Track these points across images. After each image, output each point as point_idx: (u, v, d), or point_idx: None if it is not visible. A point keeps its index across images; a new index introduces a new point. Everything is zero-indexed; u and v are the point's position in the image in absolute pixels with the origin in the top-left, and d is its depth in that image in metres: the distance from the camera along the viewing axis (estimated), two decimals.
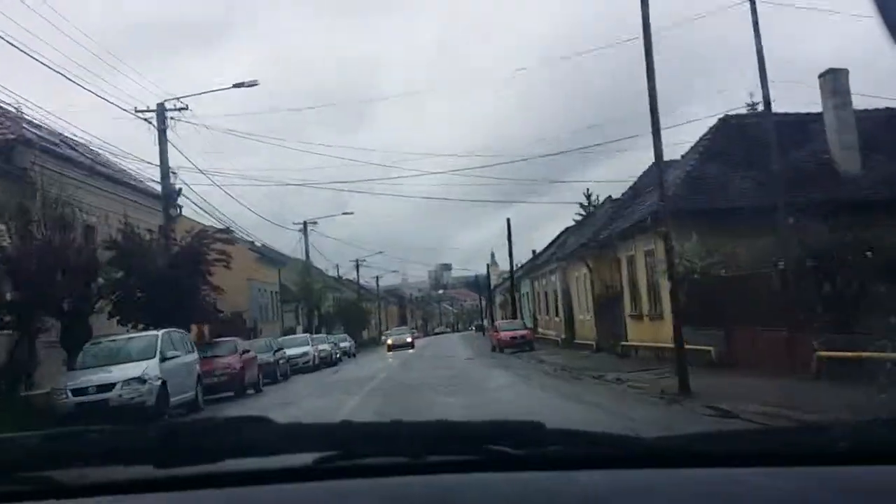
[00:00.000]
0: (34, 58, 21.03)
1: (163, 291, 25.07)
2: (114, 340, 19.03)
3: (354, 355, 53.48)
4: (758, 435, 2.23)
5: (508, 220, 53.56)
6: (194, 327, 38.09)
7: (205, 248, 27.14)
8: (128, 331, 23.07)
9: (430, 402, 15.71)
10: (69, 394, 16.43)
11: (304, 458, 1.61)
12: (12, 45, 19.74)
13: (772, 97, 23.27)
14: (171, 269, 25.69)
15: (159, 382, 17.13)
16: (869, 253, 16.19)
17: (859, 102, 24.72)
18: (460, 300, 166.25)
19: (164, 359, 17.83)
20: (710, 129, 26.45)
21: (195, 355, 20.42)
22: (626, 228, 26.37)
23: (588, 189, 62.51)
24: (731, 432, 2.43)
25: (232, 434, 1.79)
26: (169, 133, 28.15)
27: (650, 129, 17.33)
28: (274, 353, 30.66)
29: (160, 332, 18.93)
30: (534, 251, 63.72)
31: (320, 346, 39.13)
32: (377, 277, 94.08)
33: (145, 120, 28.17)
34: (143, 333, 19.72)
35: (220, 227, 40.44)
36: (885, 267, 14.93)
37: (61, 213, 20.07)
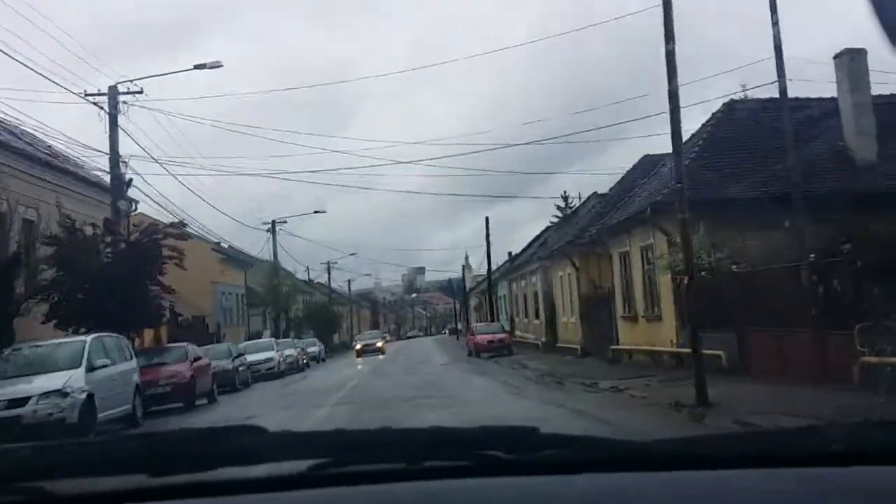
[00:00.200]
0: None
1: (106, 292, 22.33)
2: (37, 347, 16.23)
3: (324, 360, 50.71)
4: (752, 437, 2.09)
5: (487, 218, 51.14)
6: (150, 332, 35.43)
7: (155, 245, 24.34)
8: (66, 335, 20.25)
9: (407, 419, 13.06)
10: None
11: (298, 466, 1.58)
12: None
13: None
14: (115, 268, 22.92)
15: (84, 396, 14.40)
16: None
17: (879, 87, 22.47)
18: (433, 304, 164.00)
19: (91, 368, 15.11)
20: (714, 114, 24.10)
21: (133, 363, 17.66)
22: (621, 222, 23.92)
23: (565, 191, 61.70)
24: (724, 435, 2.31)
25: (225, 442, 1.75)
26: (123, 120, 25.34)
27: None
28: (233, 360, 27.87)
29: (89, 338, 16.19)
30: (510, 253, 61.41)
31: (286, 352, 36.32)
32: (349, 280, 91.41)
33: (95, 104, 25.34)
34: (70, 339, 16.93)
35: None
36: None
37: None
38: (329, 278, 75.12)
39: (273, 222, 49.35)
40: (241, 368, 28.58)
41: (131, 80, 25.17)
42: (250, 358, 31.56)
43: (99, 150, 25.17)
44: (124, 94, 25.08)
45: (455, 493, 1.49)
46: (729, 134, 23.17)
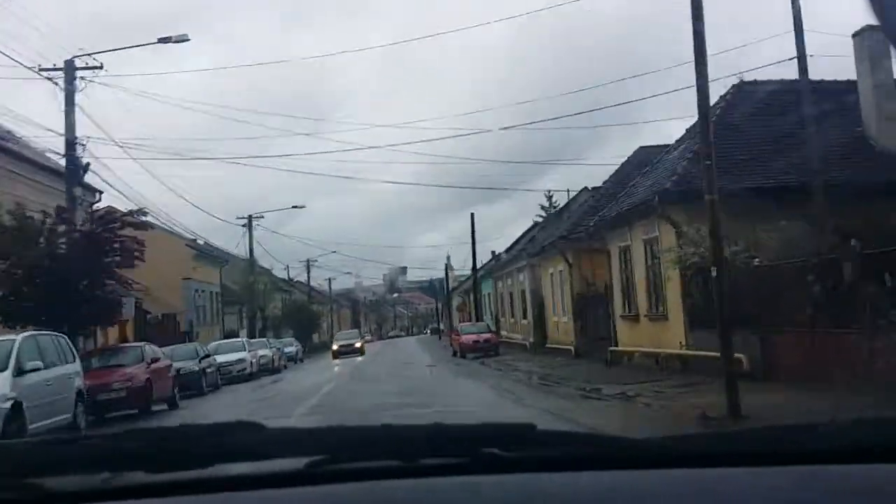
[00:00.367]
0: None
1: (57, 286, 20.09)
2: None
3: (302, 361, 48.42)
4: (751, 435, 1.85)
5: (472, 214, 48.82)
6: (116, 331, 33.06)
7: (111, 235, 22.07)
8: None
9: None
10: None
11: (296, 463, 1.56)
12: None
13: (791, 62, 19.41)
14: (67, 260, 20.64)
15: (9, 404, 12.18)
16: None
17: None
18: (415, 304, 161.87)
19: (21, 372, 12.89)
20: (722, 97, 22.10)
21: (75, 366, 15.42)
22: (622, 214, 21.87)
23: (549, 189, 60.49)
24: (723, 432, 2.20)
25: (223, 438, 1.73)
26: (81, 99, 23.02)
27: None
28: (200, 361, 25.58)
29: (19, 337, 13.93)
30: (493, 252, 59.35)
31: (260, 352, 34.01)
32: (329, 279, 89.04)
33: (49, 79, 23.03)
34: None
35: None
36: None
37: None
38: (308, 276, 72.78)
39: (249, 217, 46.97)
40: (208, 370, 26.32)
41: (90, 54, 22.85)
42: (220, 359, 29.29)
43: (54, 132, 22.84)
44: (82, 69, 22.76)
45: (453, 491, 1.47)
46: (738, 118, 21.20)
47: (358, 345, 48.92)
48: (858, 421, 1.80)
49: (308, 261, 70.78)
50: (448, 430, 1.71)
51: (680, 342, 18.77)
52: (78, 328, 21.83)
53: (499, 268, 48.10)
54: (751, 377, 15.79)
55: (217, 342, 33.84)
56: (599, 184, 33.31)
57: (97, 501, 1.56)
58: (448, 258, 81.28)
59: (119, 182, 46.93)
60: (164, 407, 20.04)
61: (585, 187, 38.18)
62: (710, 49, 12.34)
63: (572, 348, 28.47)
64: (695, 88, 12.75)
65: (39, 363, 13.44)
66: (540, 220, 55.29)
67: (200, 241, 50.54)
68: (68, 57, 22.97)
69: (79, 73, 22.68)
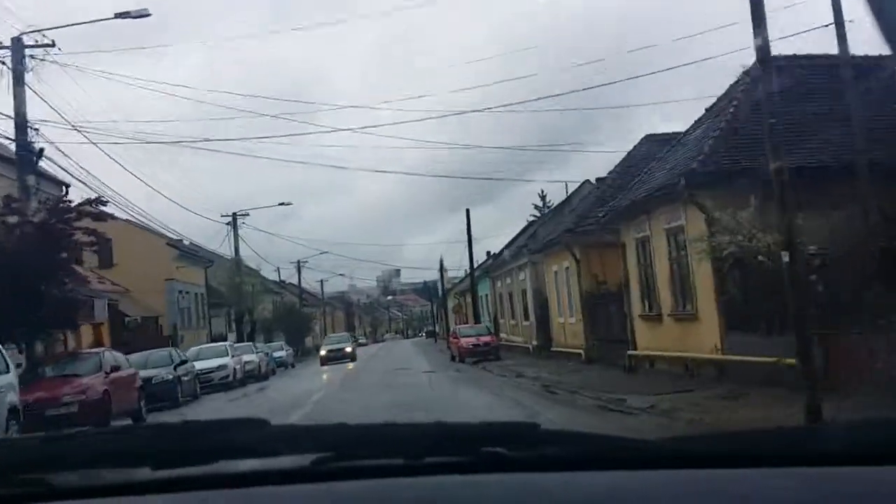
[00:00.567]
0: None
1: (6, 285, 17.57)
2: None
3: (293, 366, 45.80)
4: (754, 436, 1.81)
5: (468, 210, 46.22)
6: (90, 337, 30.50)
7: (67, 227, 19.52)
8: None
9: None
10: None
11: (300, 460, 1.56)
12: None
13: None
14: (18, 255, 18.11)
15: None
16: None
17: None
18: (410, 306, 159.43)
19: None
20: (744, 73, 19.62)
21: (9, 377, 12.94)
22: (639, 202, 19.39)
23: (542, 189, 58.57)
24: (727, 433, 2.06)
25: (227, 435, 1.71)
26: (31, 79, 20.49)
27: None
28: (175, 368, 23.03)
29: None
30: (488, 252, 56.86)
31: (245, 357, 31.41)
32: (321, 281, 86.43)
33: None
34: None
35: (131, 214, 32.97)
36: None
37: None
38: (299, 278, 70.07)
39: (234, 215, 44.33)
40: (185, 378, 23.76)
41: (40, 31, 20.34)
42: (199, 365, 26.70)
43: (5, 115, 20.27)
44: (32, 46, 20.24)
45: (457, 489, 1.47)
46: (766, 95, 18.73)
47: (349, 349, 44.36)
48: (861, 423, 1.79)
49: (299, 262, 68.14)
50: (451, 428, 1.70)
51: (715, 345, 16.31)
52: (35, 333, 19.34)
53: (497, 267, 45.58)
54: (804, 387, 13.36)
55: (198, 347, 31.21)
56: (595, 181, 30.99)
57: (101, 497, 1.53)
58: (441, 262, 78.64)
59: (97, 181, 44.26)
60: (129, 422, 17.50)
61: (588, 180, 35.81)
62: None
63: (582, 352, 26.00)
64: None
65: None
66: (534, 219, 52.98)
67: (186, 242, 48.11)
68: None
69: (28, 52, 20.18)
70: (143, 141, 40.15)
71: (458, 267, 73.78)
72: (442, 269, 77.75)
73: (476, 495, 1.44)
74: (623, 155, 29.09)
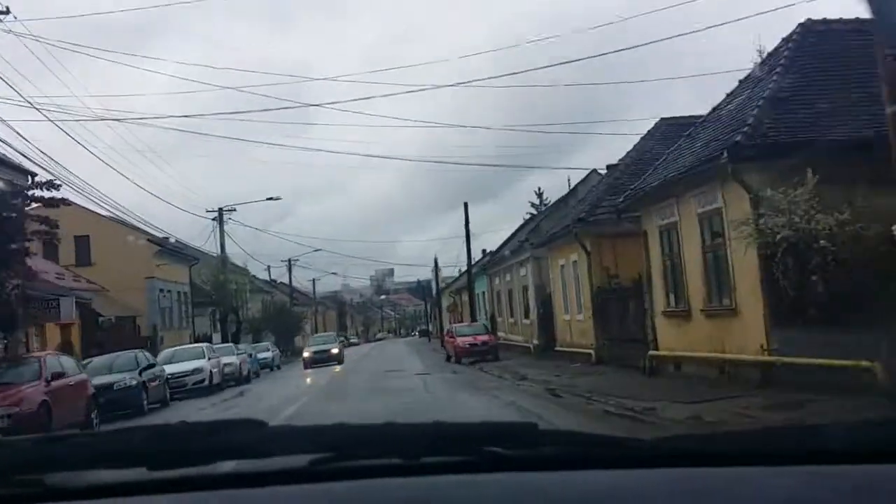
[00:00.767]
0: None
1: None
2: None
3: (279, 367, 43.08)
4: (755, 434, 1.80)
5: (466, 204, 43.52)
6: (58, 338, 27.82)
7: (18, 214, 16.89)
8: None
9: None
10: None
11: (299, 460, 1.53)
12: None
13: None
14: None
15: None
16: None
17: None
18: (403, 305, 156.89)
19: None
20: (785, 39, 17.14)
21: None
22: (666, 183, 16.81)
23: (539, 187, 56.36)
24: (726, 432, 2.06)
25: (226, 436, 1.69)
26: None
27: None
28: (141, 372, 20.37)
29: None
30: (484, 250, 54.26)
31: (225, 360, 28.69)
32: (313, 280, 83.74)
33: None
34: None
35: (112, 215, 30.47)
36: None
37: None
38: (290, 276, 67.38)
39: (220, 210, 41.61)
40: (153, 383, 21.11)
41: None
42: (171, 369, 24.06)
43: None
44: None
45: (455, 489, 1.45)
46: (813, 62, 16.24)
47: (335, 351, 39.78)
48: (865, 422, 1.77)
49: (290, 260, 65.40)
50: (450, 428, 1.68)
51: (761, 345, 13.74)
52: None
53: (495, 263, 42.97)
54: (886, 393, 10.83)
55: (173, 349, 28.51)
56: (606, 168, 28.44)
57: (99, 498, 1.52)
58: (435, 261, 76.05)
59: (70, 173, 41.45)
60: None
61: (595, 170, 33.30)
62: None
63: (591, 352, 23.43)
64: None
65: None
66: (530, 216, 50.49)
67: (172, 240, 45.40)
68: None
69: None
70: (105, 118, 37.37)
71: (453, 263, 71.41)
72: (436, 266, 75.16)
73: (475, 495, 1.42)
74: (619, 150, 26.49)
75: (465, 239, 42.87)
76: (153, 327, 39.09)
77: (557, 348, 28.36)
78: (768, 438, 1.68)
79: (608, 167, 27.49)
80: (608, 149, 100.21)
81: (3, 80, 21.53)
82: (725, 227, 14.88)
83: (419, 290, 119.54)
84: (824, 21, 17.59)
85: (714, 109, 18.48)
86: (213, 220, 41.14)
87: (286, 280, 72.37)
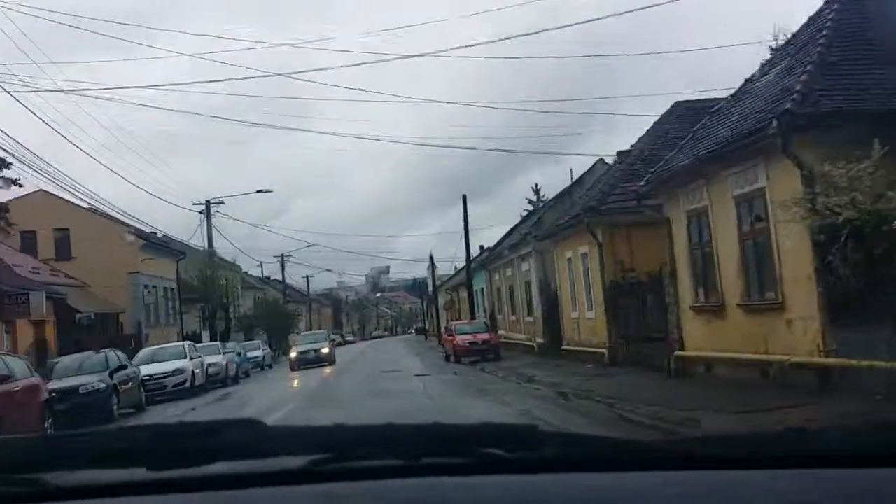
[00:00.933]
0: None
1: None
2: None
3: (270, 367, 41.11)
4: (754, 438, 1.74)
5: (465, 196, 41.47)
6: (31, 335, 25.79)
7: None
8: None
9: None
10: None
11: (298, 461, 1.50)
12: None
13: None
14: None
15: None
16: None
17: None
18: (399, 303, 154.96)
19: None
20: (829, 1, 15.21)
21: None
22: (698, 162, 14.79)
23: (536, 183, 54.49)
24: (726, 435, 1.98)
25: (225, 436, 1.65)
26: None
27: None
28: (111, 374, 18.37)
29: None
30: (482, 246, 52.22)
31: (209, 360, 26.66)
32: (307, 277, 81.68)
33: None
34: None
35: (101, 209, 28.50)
36: None
37: None
38: (283, 272, 65.33)
39: (207, 203, 39.52)
40: (126, 386, 19.11)
41: None
42: (147, 370, 22.06)
43: None
44: None
45: (455, 491, 1.43)
46: (863, 24, 14.29)
47: (325, 350, 35.75)
48: (863, 425, 1.80)
49: (282, 256, 63.34)
50: (450, 429, 1.67)
51: (817, 345, 11.77)
52: None
53: (494, 258, 40.97)
54: None
55: (153, 347, 26.46)
56: (617, 155, 26.49)
57: (97, 498, 1.51)
58: (431, 258, 74.06)
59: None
60: None
61: (601, 158, 31.38)
62: None
63: (604, 352, 21.46)
64: None
65: None
66: (527, 212, 48.48)
67: (160, 234, 43.35)
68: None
69: None
70: (66, 90, 35.26)
71: (450, 259, 69.46)
72: (432, 263, 73.19)
73: (474, 496, 1.41)
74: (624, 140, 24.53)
75: (462, 233, 40.82)
76: (137, 324, 37.07)
77: (564, 347, 26.40)
78: (767, 442, 1.64)
79: (619, 154, 25.53)
80: (615, 135, 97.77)
81: None
82: (769, 209, 12.91)
83: (415, 287, 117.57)
84: None
85: (746, 82, 16.52)
86: (201, 212, 39.02)
87: (281, 278, 70.42)
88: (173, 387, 22.81)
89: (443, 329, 47.90)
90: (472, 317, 39.06)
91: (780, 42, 19.57)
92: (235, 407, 18.65)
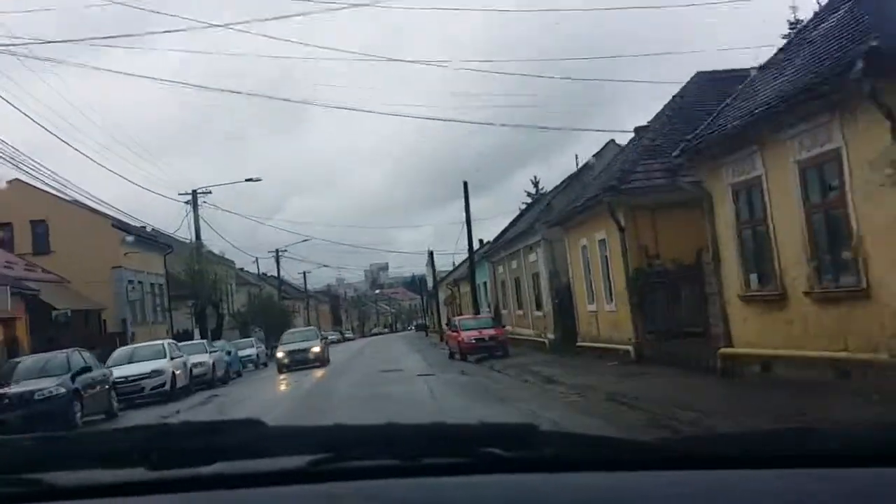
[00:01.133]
0: None
1: None
2: None
3: (265, 365, 38.77)
4: (751, 437, 1.76)
5: (465, 183, 39.01)
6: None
7: None
8: None
9: None
10: None
11: (297, 461, 1.48)
12: None
13: None
14: None
15: None
16: None
17: None
18: (399, 299, 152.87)
19: None
20: None
21: None
22: (754, 120, 12.36)
23: (535, 175, 52.03)
24: (724, 435, 1.99)
25: (225, 436, 1.64)
26: None
27: None
28: (73, 378, 16.03)
29: None
30: (481, 240, 49.78)
31: (194, 359, 24.27)
32: (304, 273, 79.33)
33: None
34: None
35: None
36: None
37: None
38: (278, 267, 62.92)
39: (194, 192, 37.09)
40: (92, 390, 16.76)
41: None
42: (124, 371, 19.72)
43: None
44: None
45: (454, 490, 1.42)
46: None
47: (316, 350, 31.09)
48: (860, 425, 1.77)
49: (277, 251, 60.97)
50: (449, 429, 1.67)
51: None
52: None
53: (498, 250, 38.62)
54: None
55: (132, 347, 24.08)
56: (635, 131, 24.15)
57: (97, 497, 1.50)
58: (431, 252, 71.74)
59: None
60: None
61: (612, 140, 29.03)
62: None
63: (630, 349, 19.10)
64: None
65: None
66: (526, 206, 46.13)
67: (149, 228, 40.99)
68: None
69: None
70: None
71: (450, 252, 67.20)
72: (432, 258, 70.88)
73: (473, 496, 1.40)
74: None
75: (463, 224, 38.40)
76: (122, 322, 34.70)
77: (580, 344, 24.05)
78: (767, 441, 1.63)
79: (636, 130, 23.16)
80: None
81: None
82: (847, 174, 10.57)
83: (414, 284, 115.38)
84: None
85: (800, 31, 14.18)
86: (187, 202, 36.60)
87: (281, 275, 68.01)
88: (151, 389, 20.45)
89: (444, 325, 45.57)
90: (477, 311, 36.70)
91: None
92: (213, 414, 16.28)
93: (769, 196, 12.52)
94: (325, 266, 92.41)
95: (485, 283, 42.74)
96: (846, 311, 10.85)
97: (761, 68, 14.29)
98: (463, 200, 38.17)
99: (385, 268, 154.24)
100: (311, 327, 37.56)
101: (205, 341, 29.64)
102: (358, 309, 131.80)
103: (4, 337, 24.35)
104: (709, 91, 20.72)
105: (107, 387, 17.77)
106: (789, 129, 11.74)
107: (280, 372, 29.42)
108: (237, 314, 51.16)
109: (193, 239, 37.19)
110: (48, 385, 15.30)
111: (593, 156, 29.29)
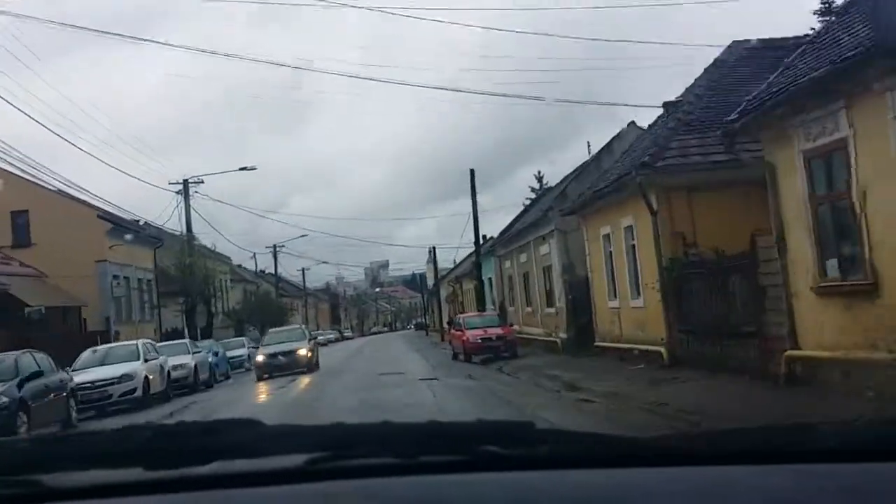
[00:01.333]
0: None
1: None
2: None
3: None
4: (748, 433, 1.67)
5: (472, 171, 36.45)
6: None
7: None
8: None
9: None
10: None
11: (295, 460, 1.45)
12: None
13: None
14: None
15: None
16: None
17: None
18: (398, 298, 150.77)
19: None
20: None
21: None
22: (832, 76, 9.87)
23: (539, 170, 50.56)
24: (720, 430, 1.81)
25: (222, 435, 1.61)
26: None
27: None
28: (20, 385, 13.59)
29: None
30: (484, 236, 47.33)
31: (175, 360, 21.78)
32: (303, 269, 76.89)
33: None
34: None
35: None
36: None
37: None
38: (275, 264, 60.45)
39: (185, 182, 34.61)
40: (43, 399, 14.30)
41: None
42: (86, 376, 17.27)
43: None
44: None
45: (451, 488, 1.39)
46: None
47: (303, 352, 26.47)
48: (856, 420, 1.73)
49: (275, 246, 58.53)
50: (447, 427, 1.67)
51: None
52: None
53: (505, 243, 36.15)
54: None
55: (104, 347, 21.54)
56: (663, 106, 21.73)
57: (95, 498, 1.47)
58: (431, 251, 69.34)
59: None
60: None
61: (632, 122, 26.58)
62: None
63: (661, 350, 16.64)
64: None
65: None
66: (530, 201, 43.77)
67: (142, 222, 38.49)
68: None
69: None
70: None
71: (453, 248, 64.88)
72: (433, 255, 68.46)
73: (471, 494, 1.38)
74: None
75: (471, 214, 35.97)
76: (106, 320, 32.21)
77: (598, 344, 21.60)
78: (764, 437, 1.61)
79: (665, 105, 20.70)
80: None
81: None
82: None
83: (414, 282, 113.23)
84: None
85: None
86: (178, 192, 34.13)
87: (280, 273, 65.57)
88: (120, 396, 18.00)
89: (446, 323, 43.13)
90: (482, 309, 34.22)
91: None
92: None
93: (857, 163, 10.05)
94: (324, 262, 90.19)
95: (490, 279, 40.30)
96: None
97: (839, 13, 11.82)
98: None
99: (385, 266, 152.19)
100: (298, 326, 33.86)
101: (188, 341, 27.08)
102: (357, 307, 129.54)
103: None
104: (747, 62, 18.49)
105: (64, 394, 15.31)
106: (885, 80, 9.30)
107: (259, 378, 25.33)
108: (232, 312, 48.73)
109: (184, 231, 34.68)
110: None
111: (611, 139, 26.79)
